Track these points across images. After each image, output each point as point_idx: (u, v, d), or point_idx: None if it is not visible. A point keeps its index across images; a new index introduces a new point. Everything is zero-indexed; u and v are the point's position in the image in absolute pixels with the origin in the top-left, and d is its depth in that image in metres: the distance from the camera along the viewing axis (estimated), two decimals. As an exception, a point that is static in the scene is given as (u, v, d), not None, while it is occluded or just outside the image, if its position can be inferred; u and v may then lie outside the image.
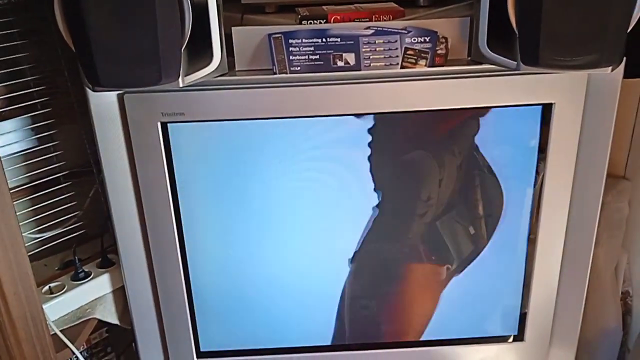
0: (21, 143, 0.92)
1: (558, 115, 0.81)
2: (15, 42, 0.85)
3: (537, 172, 0.86)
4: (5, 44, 0.85)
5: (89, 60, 0.66)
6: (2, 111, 0.87)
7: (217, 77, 0.78)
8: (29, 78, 0.88)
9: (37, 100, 0.89)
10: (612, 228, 1.08)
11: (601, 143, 0.84)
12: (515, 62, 0.72)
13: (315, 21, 0.84)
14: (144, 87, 0.69)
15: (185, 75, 0.72)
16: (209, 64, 0.74)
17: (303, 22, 0.84)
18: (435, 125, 0.84)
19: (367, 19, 0.84)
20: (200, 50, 0.75)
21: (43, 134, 0.92)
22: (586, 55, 0.67)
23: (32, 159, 0.92)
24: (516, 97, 0.79)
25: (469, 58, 0.80)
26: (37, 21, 0.87)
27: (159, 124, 0.80)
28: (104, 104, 0.80)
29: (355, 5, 0.89)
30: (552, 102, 0.79)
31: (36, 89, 0.89)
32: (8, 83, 0.87)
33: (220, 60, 0.75)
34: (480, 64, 0.78)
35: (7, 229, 0.72)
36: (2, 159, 0.73)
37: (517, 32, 0.69)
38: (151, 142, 0.82)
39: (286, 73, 0.78)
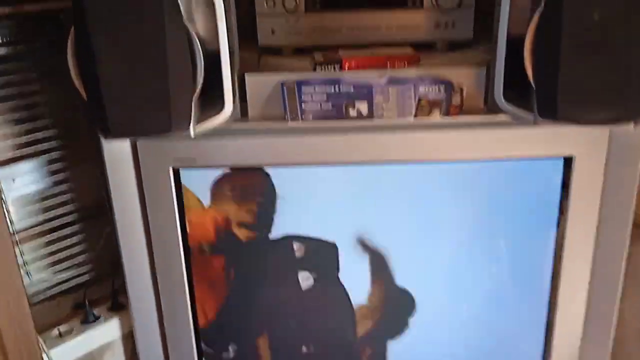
0: (36, 184, 0.92)
1: (579, 168, 0.78)
2: (33, 85, 0.87)
3: (558, 224, 0.82)
4: (24, 86, 0.86)
5: (99, 110, 0.66)
6: (18, 155, 0.88)
7: (229, 123, 0.78)
8: (46, 120, 0.89)
9: (53, 142, 0.90)
10: (639, 281, 1.03)
11: (625, 194, 0.81)
12: (532, 115, 0.70)
13: (329, 66, 0.84)
14: (155, 135, 0.69)
15: (197, 124, 0.72)
16: (221, 111, 0.74)
17: (317, 68, 0.84)
18: (451, 175, 0.82)
19: (382, 66, 0.83)
20: (212, 98, 0.75)
21: (57, 175, 0.93)
22: (607, 110, 0.64)
23: (45, 200, 0.93)
24: (534, 150, 0.77)
25: (485, 107, 0.78)
26: (55, 62, 0.88)
27: (170, 170, 0.80)
28: (116, 149, 0.80)
29: (371, 50, 0.89)
30: (572, 155, 0.77)
31: (52, 130, 0.90)
32: (25, 125, 0.88)
33: (233, 108, 0.75)
34: (497, 114, 0.76)
35: (8, 273, 0.71)
36: (15, 201, 0.73)
37: (533, 84, 0.68)
38: (163, 188, 0.81)
39: (298, 121, 0.77)
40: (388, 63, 0.83)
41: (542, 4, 0.65)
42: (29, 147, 0.90)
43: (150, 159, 0.80)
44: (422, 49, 0.93)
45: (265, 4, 0.94)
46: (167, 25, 0.63)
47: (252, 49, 0.99)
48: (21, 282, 0.74)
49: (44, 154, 0.91)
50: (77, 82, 0.67)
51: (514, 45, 0.69)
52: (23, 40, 0.81)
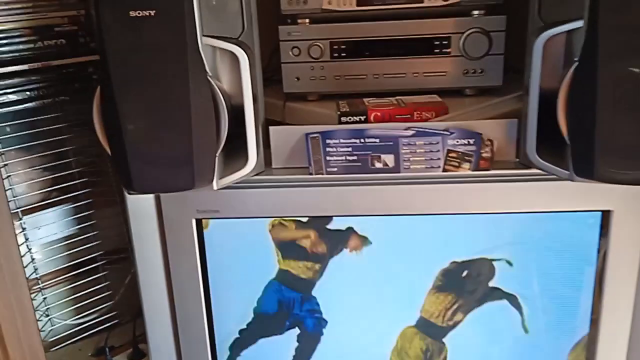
0: (62, 229, 0.93)
1: (617, 222, 0.74)
2: (62, 134, 0.88)
3: (595, 275, 0.78)
4: (53, 136, 0.87)
5: (123, 166, 0.66)
6: (45, 202, 0.89)
7: (253, 175, 0.77)
8: (72, 167, 0.90)
9: (80, 192, 0.91)
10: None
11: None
12: (568, 172, 0.67)
13: (354, 117, 0.82)
14: (177, 192, 0.68)
15: (220, 178, 0.71)
16: (244, 165, 0.73)
17: (342, 119, 0.82)
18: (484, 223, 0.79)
19: (409, 115, 0.82)
20: (237, 150, 0.74)
21: (82, 220, 0.93)
22: (646, 168, 0.61)
23: (71, 244, 0.93)
24: (570, 204, 0.73)
25: (517, 160, 0.76)
26: (83, 112, 0.89)
27: (193, 221, 0.79)
28: (140, 198, 0.80)
29: (397, 98, 0.88)
30: (610, 209, 0.73)
31: (79, 177, 0.91)
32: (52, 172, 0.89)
33: (257, 162, 0.74)
34: (529, 167, 0.73)
35: (23, 320, 0.71)
36: (40, 247, 0.73)
37: (568, 141, 0.65)
38: (185, 238, 0.80)
39: (322, 174, 0.76)
40: (415, 113, 0.81)
41: (576, 58, 0.62)
42: (56, 195, 0.90)
43: (174, 209, 0.79)
44: (449, 95, 0.92)
45: (290, 52, 0.94)
46: (191, 83, 0.63)
47: (277, 94, 0.99)
48: (37, 330, 0.73)
49: (70, 201, 0.92)
50: (102, 139, 0.67)
51: (546, 98, 0.67)
52: (54, 93, 0.82)
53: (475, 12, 0.91)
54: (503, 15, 0.89)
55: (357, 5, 0.92)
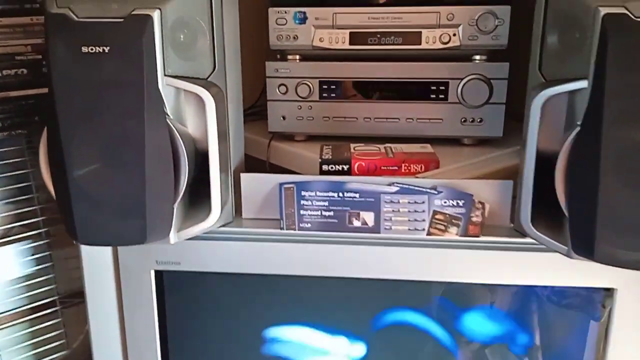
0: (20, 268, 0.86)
1: (621, 301, 0.66)
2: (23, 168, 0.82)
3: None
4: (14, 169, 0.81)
5: (68, 214, 0.59)
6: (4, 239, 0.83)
7: (219, 226, 0.70)
8: (34, 203, 0.84)
9: (42, 230, 0.84)
10: None
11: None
12: (566, 248, 0.59)
13: (337, 166, 0.75)
14: (128, 245, 0.61)
15: (179, 230, 0.64)
16: (208, 215, 0.66)
17: (324, 167, 0.76)
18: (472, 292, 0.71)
19: (396, 167, 0.75)
20: (203, 198, 0.67)
21: (43, 261, 0.87)
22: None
23: (28, 285, 0.86)
24: (568, 279, 0.65)
25: (511, 226, 0.68)
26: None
27: (152, 272, 0.72)
28: (96, 243, 0.73)
29: (387, 146, 0.81)
30: (614, 287, 0.65)
31: (39, 213, 0.85)
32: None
33: (222, 213, 0.67)
34: (524, 236, 0.66)
35: None
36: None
37: (566, 213, 0.57)
38: (143, 290, 0.73)
39: (294, 229, 0.68)
40: (403, 166, 0.74)
41: (579, 122, 0.55)
42: (16, 231, 0.84)
43: (131, 258, 0.72)
44: (445, 143, 0.85)
45: (277, 89, 0.88)
46: (147, 124, 0.57)
47: (265, 132, 0.93)
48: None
49: (31, 238, 0.85)
50: (47, 182, 0.61)
51: (545, 161, 0.59)
52: (11, 126, 0.76)
53: (477, 57, 0.85)
54: (505, 62, 0.83)
55: (350, 43, 0.86)
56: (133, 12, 0.56)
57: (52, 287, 0.88)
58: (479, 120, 0.85)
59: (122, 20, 0.55)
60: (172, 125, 0.59)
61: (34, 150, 0.81)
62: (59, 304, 0.91)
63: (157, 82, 0.57)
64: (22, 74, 0.73)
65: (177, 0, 0.58)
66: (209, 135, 0.62)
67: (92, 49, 0.55)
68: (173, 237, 0.63)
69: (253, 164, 0.89)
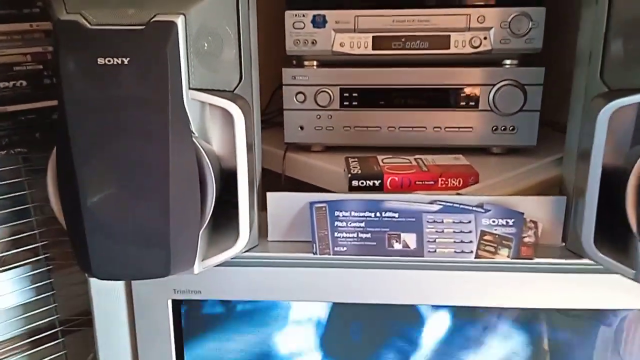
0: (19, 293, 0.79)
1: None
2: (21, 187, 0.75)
3: None
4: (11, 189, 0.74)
5: (81, 245, 0.52)
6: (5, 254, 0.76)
7: (244, 251, 0.63)
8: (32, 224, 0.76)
9: (42, 255, 0.77)
10: None
11: None
12: (634, 272, 0.54)
13: (367, 181, 0.70)
14: (149, 279, 0.55)
15: (203, 260, 0.58)
16: (234, 241, 0.60)
17: (354, 182, 0.70)
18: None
19: (432, 182, 0.69)
20: (225, 221, 0.61)
21: (43, 286, 0.79)
22: None
23: (28, 310, 0.79)
24: (633, 302, 0.61)
25: (563, 245, 0.63)
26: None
27: (169, 302, 0.66)
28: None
29: (417, 157, 0.75)
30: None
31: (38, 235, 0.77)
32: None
33: (250, 237, 0.61)
34: (579, 256, 0.61)
35: None
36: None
37: (637, 235, 0.52)
38: (159, 322, 0.67)
39: (328, 253, 0.63)
40: (440, 180, 0.69)
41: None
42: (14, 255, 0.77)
43: (146, 287, 0.65)
44: (472, 153, 0.79)
45: (294, 98, 0.82)
46: (171, 145, 0.50)
47: (277, 141, 0.87)
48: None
49: (30, 262, 0.78)
50: (56, 211, 0.54)
51: (606, 177, 0.54)
52: (9, 144, 0.68)
53: (507, 61, 0.80)
54: (541, 67, 0.78)
55: (373, 48, 0.80)
56: (154, 19, 0.49)
57: (53, 314, 0.81)
58: (511, 128, 0.80)
59: (142, 27, 0.49)
60: (198, 145, 0.53)
61: (33, 170, 0.74)
62: (61, 331, 0.84)
63: (182, 97, 0.51)
64: (20, 87, 0.66)
65: (202, 4, 0.52)
66: (238, 153, 0.56)
67: (109, 61, 0.48)
68: (197, 267, 0.57)
69: (267, 177, 0.83)
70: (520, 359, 0.66)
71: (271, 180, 0.83)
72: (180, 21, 0.50)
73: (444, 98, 0.80)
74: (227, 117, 0.55)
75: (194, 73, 0.53)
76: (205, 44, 0.54)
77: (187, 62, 0.51)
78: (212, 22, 0.54)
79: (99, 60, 0.48)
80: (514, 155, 0.82)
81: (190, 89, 0.52)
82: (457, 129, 0.81)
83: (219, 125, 0.57)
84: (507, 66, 0.79)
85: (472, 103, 0.80)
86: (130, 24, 0.49)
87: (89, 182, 0.51)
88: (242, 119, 0.55)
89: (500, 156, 0.83)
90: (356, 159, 0.75)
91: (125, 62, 0.48)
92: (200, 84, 0.54)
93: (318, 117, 0.83)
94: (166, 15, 0.49)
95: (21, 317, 0.78)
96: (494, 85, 0.79)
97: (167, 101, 0.49)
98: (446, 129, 0.81)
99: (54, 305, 0.80)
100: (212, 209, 0.55)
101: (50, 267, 0.79)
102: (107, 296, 0.67)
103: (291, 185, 0.86)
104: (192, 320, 0.67)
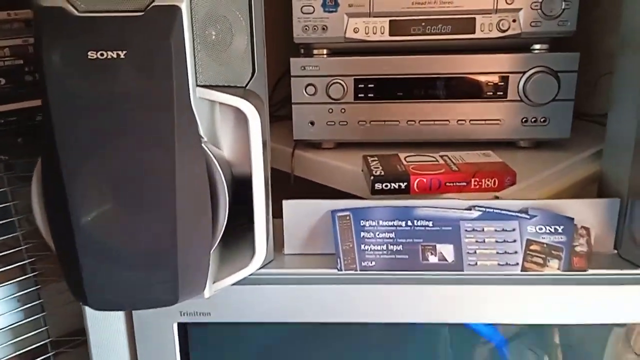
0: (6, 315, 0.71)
1: None
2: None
3: None
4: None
5: (74, 274, 0.45)
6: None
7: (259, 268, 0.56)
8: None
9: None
10: None
11: None
12: None
13: (393, 184, 0.62)
14: (153, 308, 0.47)
15: (215, 281, 0.51)
16: (248, 259, 0.52)
17: (377, 186, 0.63)
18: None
19: (464, 183, 0.62)
20: (237, 235, 0.53)
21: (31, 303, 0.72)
22: None
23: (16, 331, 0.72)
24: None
25: (615, 252, 0.56)
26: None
27: (175, 326, 0.58)
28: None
29: (442, 155, 0.68)
30: None
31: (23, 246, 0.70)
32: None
33: (266, 253, 0.53)
34: (636, 265, 0.54)
35: None
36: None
37: None
38: (163, 347, 0.59)
39: (355, 269, 0.55)
40: (472, 181, 0.62)
41: None
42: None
43: (148, 310, 0.58)
44: (497, 147, 0.72)
45: (304, 91, 0.74)
46: (177, 152, 0.42)
47: (283, 137, 0.79)
48: None
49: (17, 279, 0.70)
50: (44, 231, 0.46)
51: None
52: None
53: (537, 46, 0.73)
54: (575, 52, 0.71)
55: (391, 34, 0.73)
56: (154, 3, 0.41)
57: (45, 337, 0.73)
58: (542, 119, 0.73)
59: (141, 14, 0.41)
60: (208, 151, 0.45)
61: (16, 177, 0.66)
62: (52, 350, 0.76)
63: (189, 96, 0.43)
64: (-1, 85, 0.58)
65: (208, -15, 0.44)
66: (253, 159, 0.48)
67: (102, 55, 0.40)
68: (208, 290, 0.50)
69: (273, 177, 0.75)
70: None
71: (278, 180, 0.76)
72: (184, 5, 0.42)
73: (468, 88, 0.73)
74: (239, 117, 0.48)
75: (202, 67, 0.45)
76: (214, 33, 0.46)
77: (194, 54, 0.44)
78: (221, 6, 0.46)
79: (89, 54, 0.40)
80: (543, 149, 0.76)
81: (197, 85, 0.44)
82: (483, 122, 0.74)
83: (230, 127, 0.49)
84: (536, 51, 0.73)
85: (500, 93, 0.73)
86: (126, 9, 0.41)
87: (81, 196, 0.43)
88: (257, 119, 0.47)
89: (527, 150, 0.76)
90: (376, 158, 0.68)
91: (122, 56, 0.40)
92: (209, 79, 0.46)
93: (330, 111, 0.75)
94: (167, -1, 0.42)
95: (9, 343, 0.70)
96: (524, 72, 0.72)
97: (172, 101, 0.41)
98: (471, 122, 0.74)
99: (45, 327, 0.72)
100: (225, 222, 0.47)
101: (39, 286, 0.70)
102: (104, 320, 0.60)
103: (300, 186, 0.78)
104: (201, 345, 0.59)
